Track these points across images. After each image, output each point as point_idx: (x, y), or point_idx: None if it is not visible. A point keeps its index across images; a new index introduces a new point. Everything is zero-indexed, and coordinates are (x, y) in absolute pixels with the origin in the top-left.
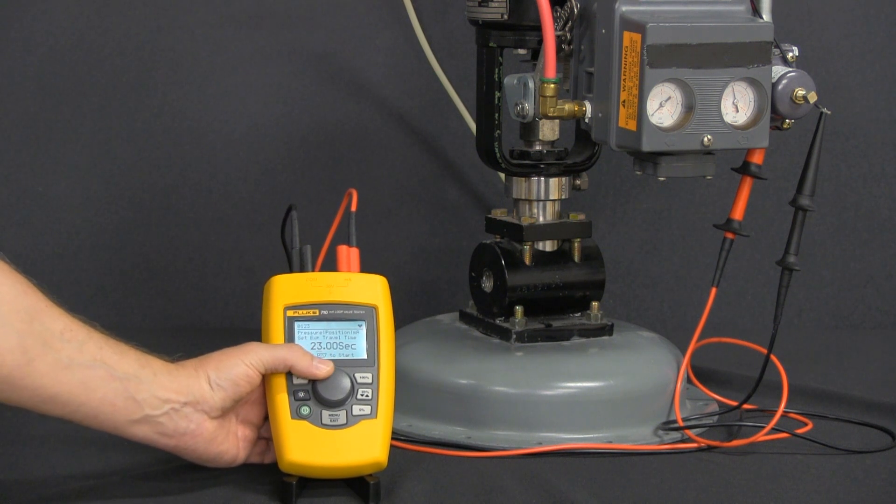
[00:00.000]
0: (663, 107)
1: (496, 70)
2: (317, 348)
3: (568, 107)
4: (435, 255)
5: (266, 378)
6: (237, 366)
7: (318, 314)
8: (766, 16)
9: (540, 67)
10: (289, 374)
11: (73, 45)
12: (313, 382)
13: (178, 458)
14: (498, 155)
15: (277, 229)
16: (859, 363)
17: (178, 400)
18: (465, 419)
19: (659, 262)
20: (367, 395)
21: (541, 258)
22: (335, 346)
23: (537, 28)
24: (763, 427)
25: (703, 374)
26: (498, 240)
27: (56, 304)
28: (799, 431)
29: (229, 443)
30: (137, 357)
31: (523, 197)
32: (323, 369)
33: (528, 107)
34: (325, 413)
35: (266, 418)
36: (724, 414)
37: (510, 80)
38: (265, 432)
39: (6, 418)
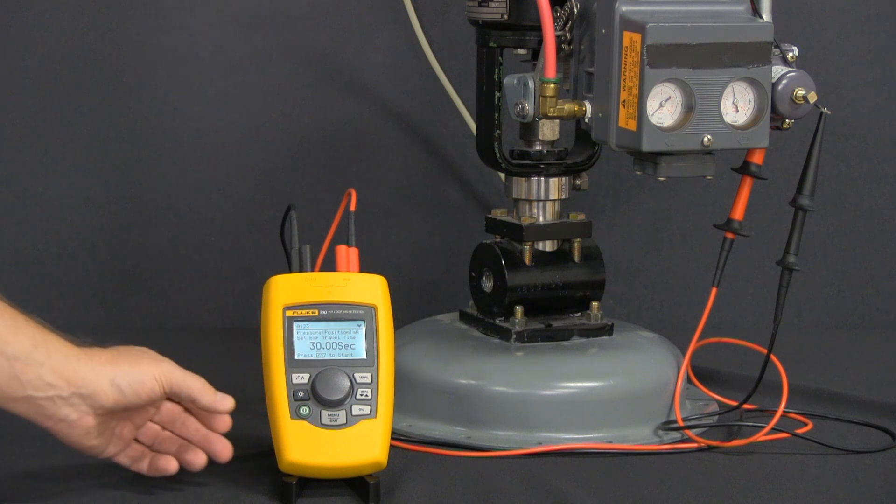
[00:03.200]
0: (663, 107)
1: (496, 70)
2: (316, 348)
3: (568, 107)
4: (435, 255)
5: (265, 378)
6: (146, 379)
7: (317, 314)
8: (766, 16)
9: (540, 67)
10: (288, 375)
11: (73, 45)
12: (313, 382)
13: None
14: (498, 155)
15: (277, 229)
16: (859, 363)
17: (67, 389)
18: (465, 419)
19: (659, 262)
20: (366, 395)
21: (541, 258)
22: (334, 346)
23: (537, 28)
24: (763, 427)
25: (703, 374)
26: (498, 240)
27: None
28: (799, 431)
29: (103, 438)
30: (33, 335)
31: (523, 197)
32: (226, 404)
33: (528, 107)
34: (325, 413)
35: (148, 422)
36: (724, 414)
37: (510, 80)
38: (143, 438)
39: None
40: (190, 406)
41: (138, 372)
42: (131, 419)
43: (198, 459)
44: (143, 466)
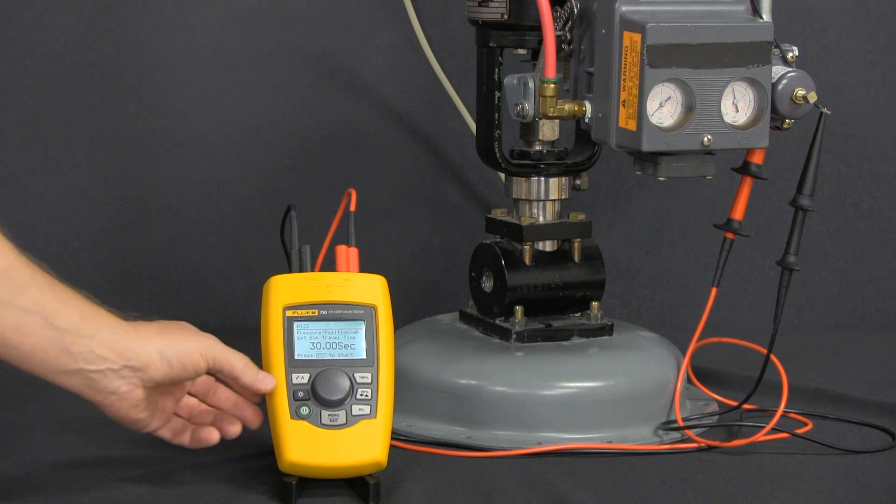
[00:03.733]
0: (663, 107)
1: (496, 70)
2: (316, 348)
3: (568, 107)
4: (435, 255)
5: None
6: (192, 353)
7: (317, 314)
8: (766, 16)
9: (540, 67)
10: (288, 375)
11: (73, 45)
12: (313, 382)
13: (177, 457)
14: (498, 155)
15: (277, 229)
16: (859, 363)
17: (118, 361)
18: (465, 419)
19: (659, 262)
20: (366, 395)
21: (541, 258)
22: (334, 346)
23: (537, 28)
24: (763, 427)
25: (703, 374)
26: (498, 240)
27: (6, 240)
28: (799, 431)
29: (149, 411)
30: (82, 308)
31: (523, 197)
32: (268, 384)
33: (528, 107)
34: (325, 413)
35: (186, 397)
36: (724, 414)
37: (510, 80)
38: (181, 411)
39: (6, 418)
40: (231, 382)
41: (185, 345)
42: (172, 393)
43: (234, 428)
44: (185, 439)
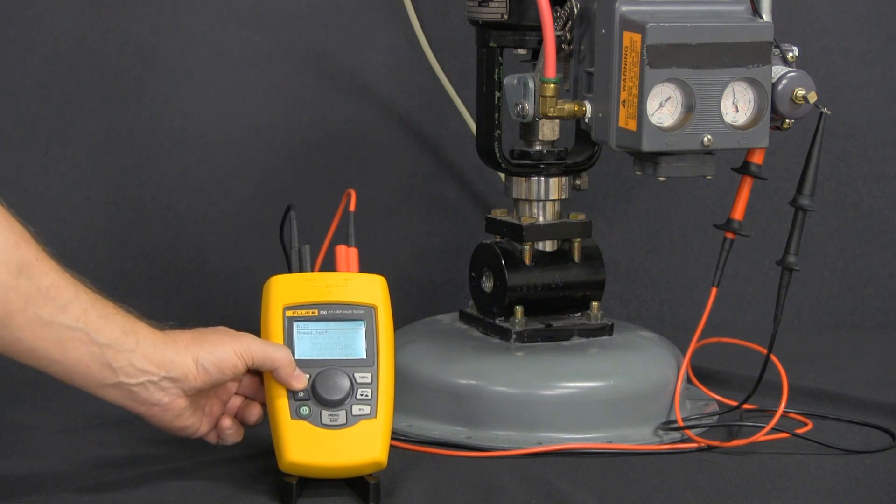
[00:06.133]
0: (663, 107)
1: (496, 70)
2: (316, 348)
3: (568, 107)
4: (435, 255)
5: (265, 378)
6: (228, 355)
7: (317, 314)
8: (766, 16)
9: (540, 67)
10: None
11: (73, 45)
12: (313, 382)
13: (177, 457)
14: (498, 155)
15: (277, 229)
16: (859, 363)
17: (158, 373)
18: (465, 419)
19: (659, 262)
20: (366, 395)
21: (541, 258)
22: (334, 346)
23: (537, 28)
24: (763, 427)
25: (703, 374)
26: (498, 240)
27: (50, 258)
28: (799, 431)
29: (195, 418)
30: (123, 323)
31: (523, 197)
32: (299, 383)
33: (528, 107)
34: (325, 413)
35: (233, 395)
36: (724, 414)
37: (510, 80)
38: (230, 412)
39: (6, 418)
40: (273, 376)
41: (220, 350)
42: (218, 396)
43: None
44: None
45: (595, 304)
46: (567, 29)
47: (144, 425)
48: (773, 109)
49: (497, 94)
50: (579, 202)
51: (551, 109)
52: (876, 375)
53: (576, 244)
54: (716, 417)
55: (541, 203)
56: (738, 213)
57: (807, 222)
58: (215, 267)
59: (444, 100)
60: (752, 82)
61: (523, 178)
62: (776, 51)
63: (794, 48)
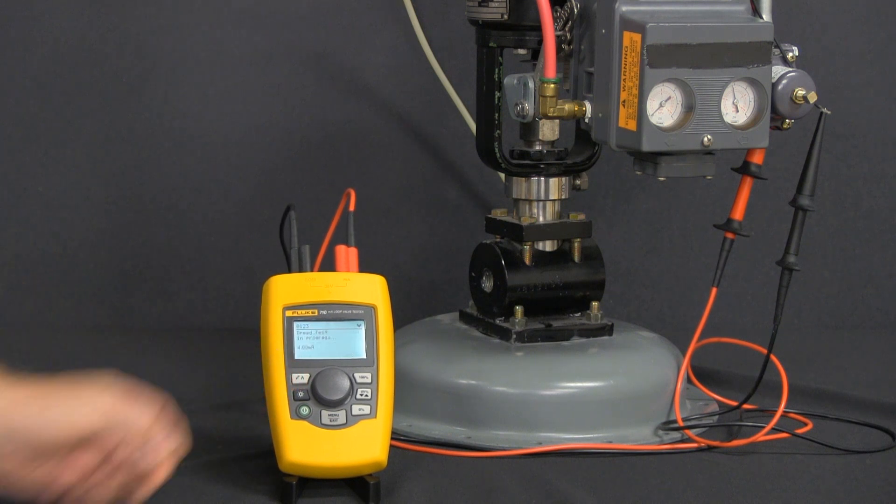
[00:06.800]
0: (663, 107)
1: (496, 70)
2: (316, 348)
3: (568, 107)
4: (435, 255)
5: (265, 378)
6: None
7: (316, 314)
8: (766, 16)
9: (540, 67)
10: (288, 375)
11: (73, 45)
12: (313, 382)
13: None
14: (498, 155)
15: (277, 229)
16: (859, 363)
17: None
18: (465, 419)
19: (659, 262)
20: (366, 395)
21: (541, 258)
22: (334, 346)
23: (537, 28)
24: (763, 427)
25: (703, 374)
26: (498, 240)
27: None
28: (799, 431)
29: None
30: None
31: (523, 197)
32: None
33: (528, 107)
34: (325, 413)
35: None
36: (724, 414)
37: (510, 80)
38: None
39: None
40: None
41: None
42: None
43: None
44: None
45: (595, 304)
46: (567, 29)
47: None
48: (773, 109)
49: (497, 94)
50: (579, 202)
51: (551, 109)
52: (876, 375)
53: (576, 244)
54: (716, 417)
55: (541, 203)
56: (738, 213)
57: (807, 222)
58: (215, 267)
59: (444, 100)
60: (752, 82)
61: (523, 178)
62: (776, 51)
63: (794, 48)
